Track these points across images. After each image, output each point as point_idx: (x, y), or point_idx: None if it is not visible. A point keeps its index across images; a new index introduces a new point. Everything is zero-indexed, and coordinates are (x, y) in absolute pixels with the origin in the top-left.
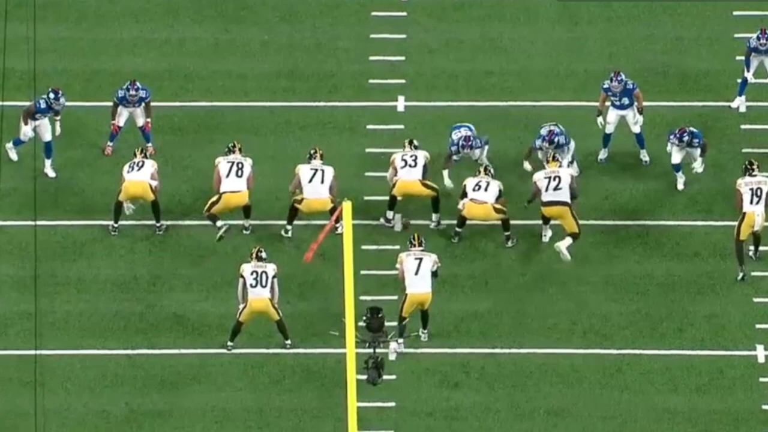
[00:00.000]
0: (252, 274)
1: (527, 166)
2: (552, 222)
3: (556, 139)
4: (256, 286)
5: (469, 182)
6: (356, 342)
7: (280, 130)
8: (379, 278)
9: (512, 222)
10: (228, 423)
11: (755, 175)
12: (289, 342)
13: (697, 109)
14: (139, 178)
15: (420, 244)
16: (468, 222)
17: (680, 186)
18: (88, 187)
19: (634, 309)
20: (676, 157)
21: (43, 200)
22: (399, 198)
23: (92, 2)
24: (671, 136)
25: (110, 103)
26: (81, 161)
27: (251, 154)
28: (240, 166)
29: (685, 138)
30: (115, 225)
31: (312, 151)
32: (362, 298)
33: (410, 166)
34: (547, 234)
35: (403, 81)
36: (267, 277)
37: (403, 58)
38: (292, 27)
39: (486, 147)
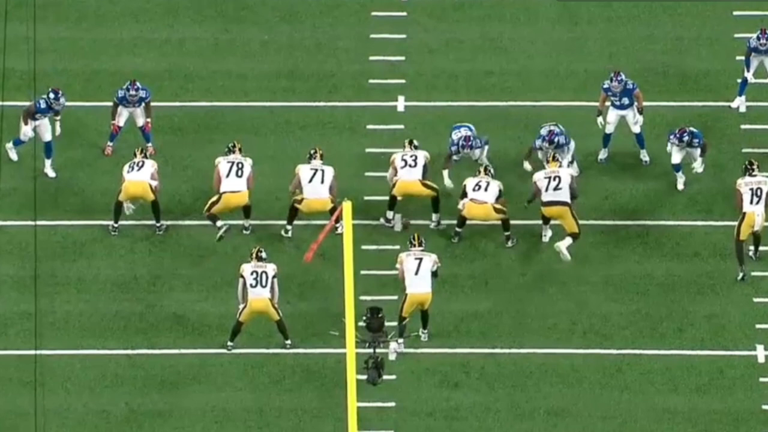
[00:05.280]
0: (252, 274)
1: (527, 166)
2: (552, 222)
3: (556, 139)
4: (256, 286)
5: (469, 182)
6: (356, 342)
7: (280, 130)
8: (379, 278)
9: (512, 222)
10: (228, 423)
11: (755, 175)
12: (289, 342)
13: (697, 109)
14: (139, 178)
15: (420, 244)
16: (468, 222)
17: (680, 186)
18: (88, 187)
19: (634, 309)
20: (676, 157)
21: (43, 200)
22: (399, 198)
23: (92, 2)
24: (671, 136)
25: (110, 103)
26: (81, 161)
27: (251, 154)
28: (240, 166)
29: (685, 138)
30: (115, 225)
31: (312, 151)
32: (362, 298)
33: (410, 166)
34: (547, 234)
35: (403, 81)
36: (267, 277)
37: (403, 58)
38: (292, 27)
39: (486, 147)
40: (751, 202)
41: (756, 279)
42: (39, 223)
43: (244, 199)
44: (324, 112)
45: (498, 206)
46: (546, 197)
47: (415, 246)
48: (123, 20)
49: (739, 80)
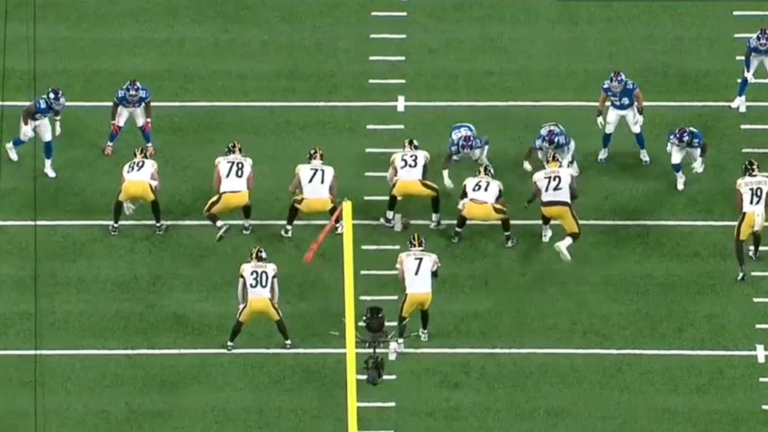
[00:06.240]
0: (252, 274)
1: (527, 166)
2: (552, 222)
3: (556, 139)
4: (256, 286)
5: (469, 182)
6: (356, 342)
7: (280, 130)
8: (379, 278)
9: (512, 222)
10: (228, 423)
11: (755, 175)
12: (289, 342)
13: (697, 109)
14: (139, 178)
15: (420, 244)
16: (468, 222)
17: (680, 186)
18: (88, 187)
19: (634, 309)
20: (676, 157)
21: (43, 200)
22: (399, 198)
23: (92, 2)
24: (671, 136)
25: (110, 103)
26: (81, 161)
27: (251, 154)
28: (240, 166)
29: (685, 138)
30: (115, 225)
31: (312, 151)
32: (362, 298)
33: (410, 166)
34: (547, 234)
35: (403, 81)
36: (267, 277)
37: (403, 58)
38: (292, 27)
39: (486, 147)
40: (751, 202)
41: (756, 279)
42: (39, 223)
43: (244, 199)
44: (324, 112)
45: (498, 206)
46: (546, 197)
47: (415, 246)
48: (123, 20)
49: (739, 80)
